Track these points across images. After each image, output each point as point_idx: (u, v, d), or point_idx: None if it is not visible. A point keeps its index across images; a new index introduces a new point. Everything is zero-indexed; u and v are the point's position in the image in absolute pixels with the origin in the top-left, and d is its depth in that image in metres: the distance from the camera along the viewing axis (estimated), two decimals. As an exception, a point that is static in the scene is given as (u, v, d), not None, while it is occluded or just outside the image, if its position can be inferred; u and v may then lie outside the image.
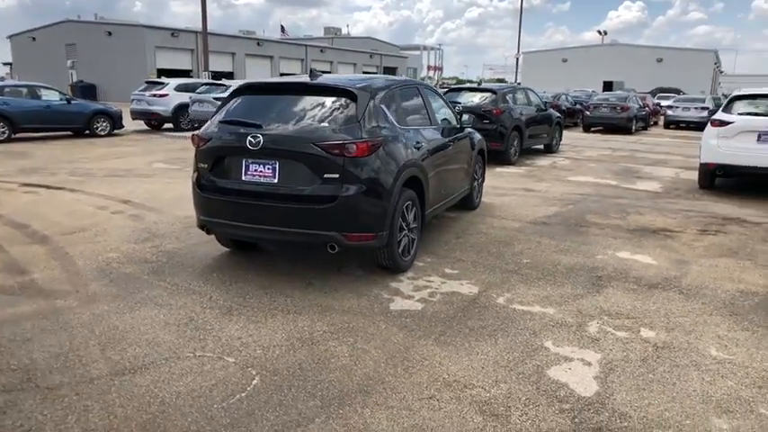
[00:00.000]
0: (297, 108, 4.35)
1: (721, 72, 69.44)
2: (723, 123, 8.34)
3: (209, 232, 4.58)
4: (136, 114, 17.42)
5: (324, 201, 4.04)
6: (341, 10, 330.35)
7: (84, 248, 5.24)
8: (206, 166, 4.44)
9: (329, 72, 52.80)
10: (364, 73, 55.07)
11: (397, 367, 3.15)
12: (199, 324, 3.67)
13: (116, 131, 15.99)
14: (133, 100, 17.46)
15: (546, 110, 13.39)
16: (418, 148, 4.80)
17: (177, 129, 17.39)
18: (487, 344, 3.46)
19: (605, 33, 73.95)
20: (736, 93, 8.98)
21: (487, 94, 11.68)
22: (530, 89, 13.49)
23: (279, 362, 3.19)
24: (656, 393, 2.94)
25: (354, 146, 4.01)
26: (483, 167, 7.34)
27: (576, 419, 2.69)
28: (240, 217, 4.31)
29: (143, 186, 8.37)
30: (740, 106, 8.56)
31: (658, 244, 5.79)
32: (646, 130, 22.29)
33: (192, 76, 34.87)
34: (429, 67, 72.12)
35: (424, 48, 74.07)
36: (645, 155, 14.07)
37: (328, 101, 4.32)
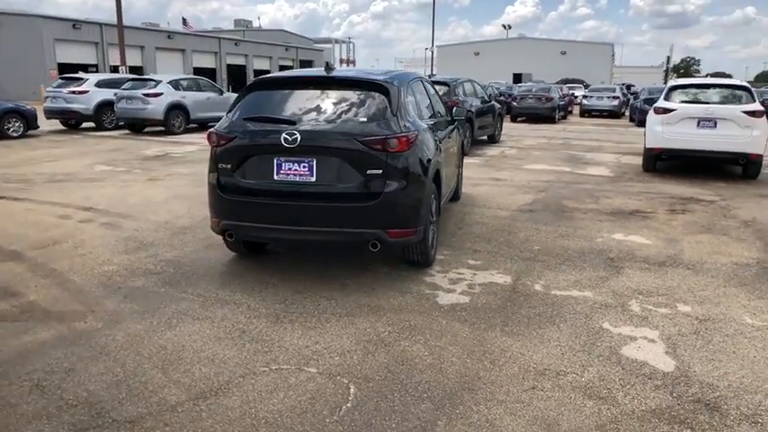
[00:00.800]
0: (325, 103, 4.18)
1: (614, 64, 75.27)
2: (666, 111, 9.05)
3: (230, 237, 4.28)
4: (51, 113, 15.86)
5: (368, 198, 3.92)
6: (244, 2, 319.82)
7: (70, 263, 4.73)
8: (229, 166, 4.15)
9: (243, 66, 51.08)
10: (281, 67, 54.00)
11: (483, 361, 3.15)
12: (254, 335, 3.44)
13: (30, 132, 14.49)
14: (47, 97, 15.87)
15: (490, 101, 13.83)
16: (434, 141, 4.79)
17: (100, 128, 16.07)
18: (552, 330, 3.55)
19: (510, 27, 77.51)
20: (673, 83, 9.77)
21: (440, 87, 11.86)
22: (475, 81, 13.85)
23: (364, 367, 3.07)
24: (726, 363, 3.16)
25: (396, 140, 3.93)
26: (461, 158, 7.47)
27: (674, 394, 2.83)
28: (272, 219, 4.08)
29: (98, 191, 7.67)
30: (678, 95, 9.33)
31: (641, 225, 6.19)
32: (565, 119, 23.68)
33: (96, 71, 32.38)
34: (341, 61, 71.77)
35: (336, 41, 73.61)
36: (578, 142, 14.96)
37: (358, 95, 4.19)
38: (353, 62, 74.24)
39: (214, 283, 4.30)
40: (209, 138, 4.28)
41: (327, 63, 4.61)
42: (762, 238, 5.68)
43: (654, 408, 2.72)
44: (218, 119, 17.57)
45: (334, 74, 4.40)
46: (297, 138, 3.89)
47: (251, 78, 43.41)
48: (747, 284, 4.38)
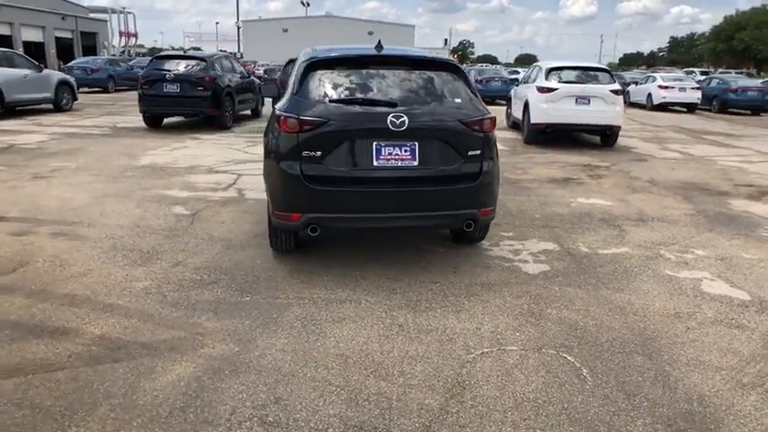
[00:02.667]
0: (409, 84, 4.04)
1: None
2: (550, 90, 10.43)
3: (313, 231, 3.90)
4: None
5: (469, 179, 3.96)
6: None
7: (79, 285, 3.80)
8: (318, 153, 3.76)
9: (8, 37, 42.80)
10: (57, 39, 46.37)
11: (646, 320, 3.50)
12: (416, 328, 3.30)
13: None
14: None
15: (249, 77, 14.17)
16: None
17: None
18: (640, 283, 4.08)
19: (308, 5, 77.55)
20: (549, 65, 11.22)
21: (197, 62, 11.87)
22: (233, 58, 13.87)
23: (551, 338, 3.21)
24: (773, 288, 4.06)
25: (489, 121, 4.02)
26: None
27: (776, 316, 3.59)
28: (368, 207, 3.86)
29: (-10, 196, 6.05)
30: (554, 76, 10.79)
31: (584, 189, 7.19)
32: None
33: None
34: (121, 33, 64.04)
35: (113, 11, 65.19)
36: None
37: (436, 75, 4.13)
38: (136, 35, 66.66)
39: (298, 284, 3.91)
40: (283, 123, 3.82)
41: (379, 41, 4.41)
42: (678, 193, 7.09)
43: (777, 328, 3.43)
44: (39, 101, 14.95)
45: (408, 53, 4.26)
46: (404, 120, 3.73)
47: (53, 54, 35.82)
48: (713, 229, 5.52)
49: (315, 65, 4.05)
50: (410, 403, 2.58)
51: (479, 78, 22.78)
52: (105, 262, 4.26)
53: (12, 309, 3.45)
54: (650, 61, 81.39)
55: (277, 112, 3.95)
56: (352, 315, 3.46)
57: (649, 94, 21.57)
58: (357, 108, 3.83)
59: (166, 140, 10.43)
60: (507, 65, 73.56)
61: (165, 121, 12.56)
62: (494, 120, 4.09)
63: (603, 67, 11.52)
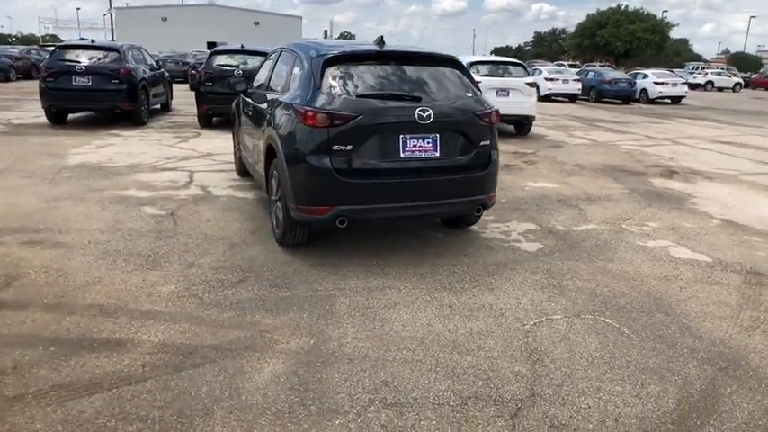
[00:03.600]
0: (423, 79, 4.22)
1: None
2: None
3: (342, 223, 3.96)
4: None
5: (480, 167, 4.26)
6: None
7: (99, 294, 3.57)
8: (349, 147, 3.84)
9: None
10: None
11: (646, 284, 4.02)
12: (465, 307, 3.55)
13: None
14: None
15: (160, 69, 13.48)
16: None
17: None
18: (622, 253, 4.67)
19: (186, -8, 73.44)
20: (470, 60, 11.87)
21: (107, 53, 10.92)
22: (143, 48, 12.97)
23: (586, 305, 3.63)
24: (723, 249, 4.85)
25: (495, 114, 4.35)
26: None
27: (737, 270, 4.32)
28: (394, 197, 4.02)
29: None
30: (475, 69, 11.47)
31: (528, 174, 7.86)
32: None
33: None
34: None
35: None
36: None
37: (444, 70, 4.36)
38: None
39: (329, 276, 3.97)
40: (311, 118, 3.83)
41: (381, 37, 4.53)
42: (606, 174, 8.00)
43: (746, 278, 4.15)
44: None
45: (412, 49, 4.43)
46: (430, 114, 3.93)
47: None
48: (651, 204, 6.37)
49: (331, 61, 4.10)
50: (503, 372, 2.84)
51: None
52: (109, 269, 3.99)
53: (39, 324, 3.17)
54: (518, 54, 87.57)
55: (301, 107, 3.94)
56: (400, 300, 3.63)
57: (537, 86, 23.45)
58: (386, 103, 3.96)
59: (84, 138, 9.56)
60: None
61: (69, 117, 11.44)
62: (498, 112, 4.43)
63: (518, 61, 12.45)
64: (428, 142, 4.05)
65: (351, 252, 4.43)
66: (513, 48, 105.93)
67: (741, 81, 39.17)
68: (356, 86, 4.04)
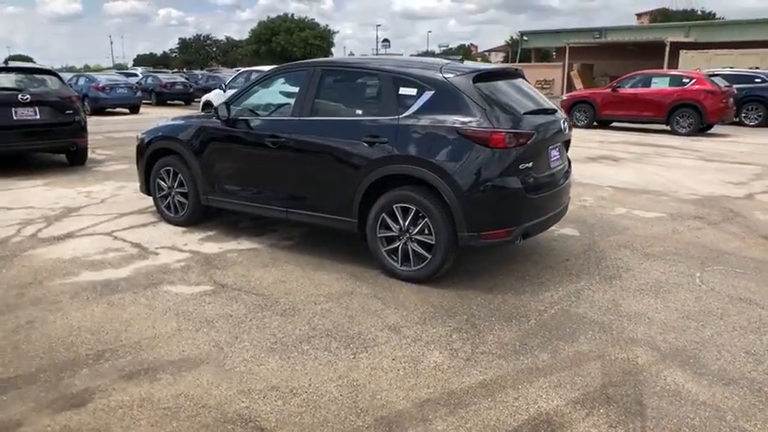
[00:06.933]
0: (528, 92, 4.50)
1: None
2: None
3: (524, 238, 4.05)
4: None
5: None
6: None
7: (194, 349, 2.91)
8: (530, 164, 3.96)
9: None
10: None
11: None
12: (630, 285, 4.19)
13: None
14: None
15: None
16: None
17: None
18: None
19: None
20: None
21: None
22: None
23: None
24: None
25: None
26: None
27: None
28: (554, 206, 4.33)
29: None
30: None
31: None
32: None
33: None
34: None
35: None
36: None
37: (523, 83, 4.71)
38: None
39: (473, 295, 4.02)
40: (500, 141, 3.77)
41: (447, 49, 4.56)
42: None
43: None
44: None
45: (512, 67, 4.60)
46: (566, 126, 4.32)
47: None
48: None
49: (478, 78, 4.07)
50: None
51: (100, 86, 20.02)
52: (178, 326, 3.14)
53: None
54: (166, 62, 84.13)
55: (484, 130, 3.81)
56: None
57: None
58: (545, 117, 4.18)
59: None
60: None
61: None
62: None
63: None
64: (558, 151, 4.44)
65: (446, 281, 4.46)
66: (159, 55, 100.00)
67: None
68: (507, 103, 4.10)
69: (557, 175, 4.39)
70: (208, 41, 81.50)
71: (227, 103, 5.05)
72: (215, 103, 13.51)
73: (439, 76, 4.09)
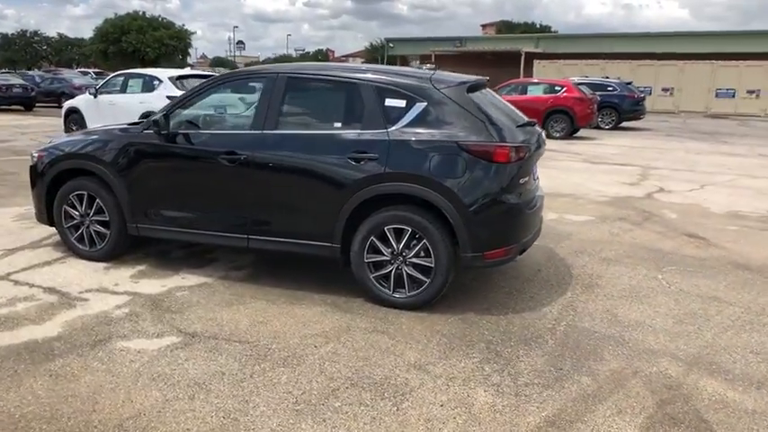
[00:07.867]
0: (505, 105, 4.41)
1: None
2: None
3: (520, 254, 3.92)
4: None
5: None
6: None
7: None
8: (526, 179, 3.87)
9: None
10: None
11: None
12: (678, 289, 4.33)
13: None
14: None
15: None
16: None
17: None
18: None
19: None
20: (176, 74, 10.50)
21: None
22: None
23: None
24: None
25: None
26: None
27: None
28: (537, 222, 4.27)
29: None
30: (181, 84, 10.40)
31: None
32: None
33: None
34: None
35: None
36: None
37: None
38: None
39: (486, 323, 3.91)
40: (504, 155, 3.61)
41: (435, 66, 4.33)
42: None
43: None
44: None
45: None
46: (543, 140, 4.29)
47: None
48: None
49: (471, 89, 3.90)
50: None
51: None
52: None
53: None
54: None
55: (486, 144, 3.62)
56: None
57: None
58: (531, 130, 4.08)
59: None
60: None
61: None
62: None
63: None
64: (536, 164, 4.40)
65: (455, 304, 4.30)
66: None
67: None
68: (499, 116, 3.94)
69: (537, 188, 4.36)
70: (36, 38, 72.22)
71: (167, 114, 4.28)
72: (83, 111, 11.87)
73: (431, 86, 3.83)
